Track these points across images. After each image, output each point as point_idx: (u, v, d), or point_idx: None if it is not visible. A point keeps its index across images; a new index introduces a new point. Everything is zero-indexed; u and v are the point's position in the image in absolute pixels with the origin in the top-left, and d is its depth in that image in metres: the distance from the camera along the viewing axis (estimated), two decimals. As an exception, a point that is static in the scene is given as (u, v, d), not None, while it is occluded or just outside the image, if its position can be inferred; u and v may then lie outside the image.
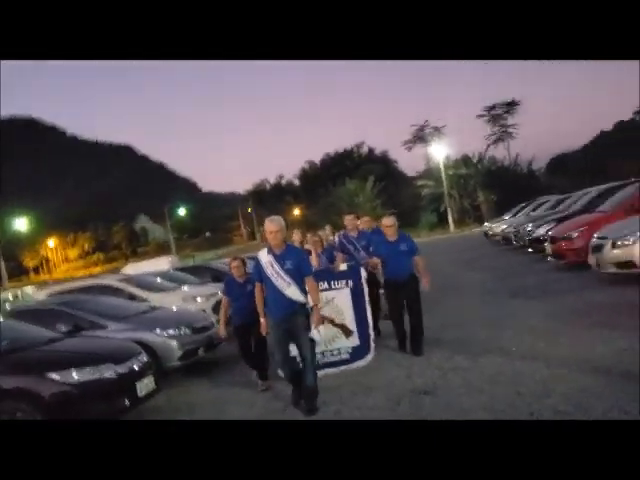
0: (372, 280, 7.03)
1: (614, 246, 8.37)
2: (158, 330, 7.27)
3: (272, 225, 5.19)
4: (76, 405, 5.10)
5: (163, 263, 21.06)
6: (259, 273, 5.32)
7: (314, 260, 7.17)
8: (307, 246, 7.48)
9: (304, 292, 5.25)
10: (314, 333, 5.17)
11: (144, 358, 5.89)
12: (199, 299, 9.96)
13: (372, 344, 6.66)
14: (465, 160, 52.80)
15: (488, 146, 57.73)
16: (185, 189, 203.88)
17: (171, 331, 7.36)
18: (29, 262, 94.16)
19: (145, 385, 5.69)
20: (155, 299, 9.63)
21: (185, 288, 10.81)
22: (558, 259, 11.11)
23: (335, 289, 6.70)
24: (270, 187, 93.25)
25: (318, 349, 6.04)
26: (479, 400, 4.64)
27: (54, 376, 5.10)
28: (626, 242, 8.16)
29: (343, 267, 6.93)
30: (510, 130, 65.17)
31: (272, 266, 5.21)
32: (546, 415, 4.02)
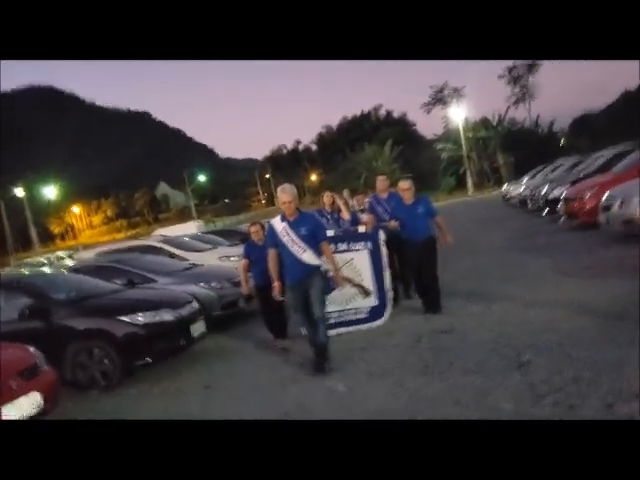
0: (393, 242, 7.17)
1: (623, 205, 8.95)
2: (202, 283, 8.10)
3: (284, 195, 5.29)
4: (143, 343, 5.99)
5: (191, 227, 21.97)
6: (273, 239, 5.41)
7: (345, 213, 7.70)
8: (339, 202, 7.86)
9: (319, 255, 5.39)
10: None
11: (196, 305, 6.73)
12: (233, 258, 10.77)
13: (389, 304, 6.91)
14: (484, 122, 52.44)
15: (508, 108, 56.95)
16: (203, 155, 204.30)
17: (213, 284, 8.19)
18: (55, 229, 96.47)
19: (197, 328, 6.54)
20: (194, 258, 10.48)
21: (220, 249, 11.66)
22: (571, 219, 11.70)
23: (354, 250, 6.92)
24: (287, 153, 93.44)
25: (337, 308, 6.61)
26: (490, 336, 5.41)
27: (124, 318, 5.98)
28: (635, 202, 8.72)
29: (362, 229, 7.16)
30: (531, 91, 64.19)
31: (287, 233, 5.30)
32: (547, 347, 4.76)
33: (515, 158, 47.18)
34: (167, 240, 11.95)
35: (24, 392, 4.46)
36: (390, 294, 6.98)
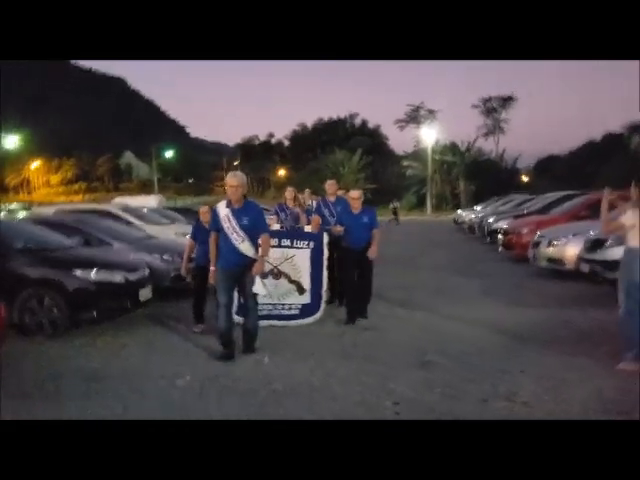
0: (333, 246, 7.26)
1: (549, 244, 9.88)
2: (155, 254, 8.53)
3: (234, 180, 5.30)
4: (91, 299, 6.41)
5: (152, 200, 22.12)
6: (216, 223, 5.43)
7: (302, 217, 7.99)
8: (302, 200, 8.31)
9: (257, 248, 5.41)
10: (257, 287, 5.47)
11: (146, 272, 7.18)
12: (189, 235, 11.17)
13: (322, 305, 7.02)
14: (453, 147, 54.10)
15: (477, 137, 58.96)
16: (173, 131, 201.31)
17: (165, 257, 8.63)
18: (10, 181, 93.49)
19: (145, 293, 7.00)
20: (150, 230, 10.84)
21: (177, 225, 12.06)
22: (508, 250, 12.66)
23: (296, 248, 7.01)
24: (259, 144, 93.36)
25: (270, 301, 6.69)
26: (406, 337, 6.11)
27: (78, 273, 6.39)
28: (558, 242, 9.66)
29: (307, 228, 7.33)
30: (502, 125, 66.51)
31: (229, 220, 5.30)
32: (451, 353, 5.46)
33: (476, 186, 48.92)
34: (127, 209, 12.26)
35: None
36: (325, 295, 7.13)
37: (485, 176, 48.97)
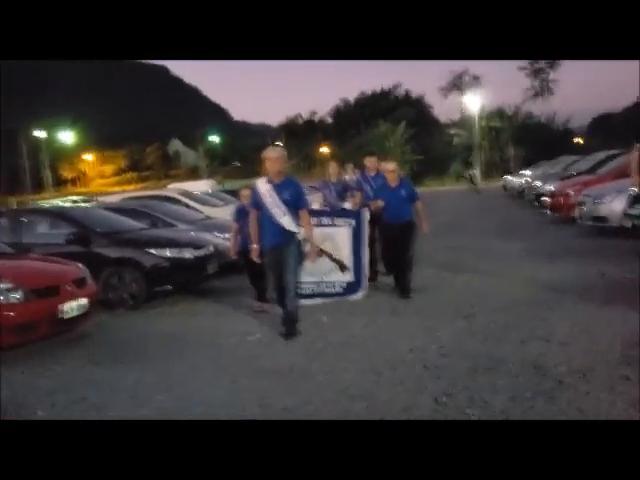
0: (374, 222, 7.23)
1: (594, 203, 10.06)
2: (216, 232, 9.26)
3: (272, 152, 5.41)
4: (166, 274, 7.19)
5: (204, 185, 23.10)
6: (255, 201, 5.50)
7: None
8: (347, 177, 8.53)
9: (297, 223, 5.47)
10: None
11: (212, 248, 7.90)
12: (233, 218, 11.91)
13: (365, 282, 7.05)
14: (500, 112, 52.95)
15: (524, 100, 57.29)
16: (217, 116, 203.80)
17: (226, 235, 9.34)
18: (67, 174, 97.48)
19: (212, 267, 7.73)
20: (208, 212, 11.63)
21: (231, 206, 12.80)
22: (554, 212, 12.80)
23: (337, 226, 7.04)
24: (302, 122, 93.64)
25: (314, 279, 6.76)
26: (453, 294, 6.63)
27: (152, 251, 7.17)
28: (603, 201, 9.83)
29: (347, 206, 7.35)
30: (550, 85, 64.32)
31: (270, 195, 5.36)
32: (493, 305, 5.92)
33: (526, 151, 47.83)
34: (185, 193, 13.10)
35: (77, 297, 5.68)
36: (367, 272, 7.11)
37: (535, 140, 47.81)
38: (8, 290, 5.23)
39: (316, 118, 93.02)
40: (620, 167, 11.93)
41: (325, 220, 7.02)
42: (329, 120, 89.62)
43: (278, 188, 5.37)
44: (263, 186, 5.43)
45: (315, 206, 7.75)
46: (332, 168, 8.18)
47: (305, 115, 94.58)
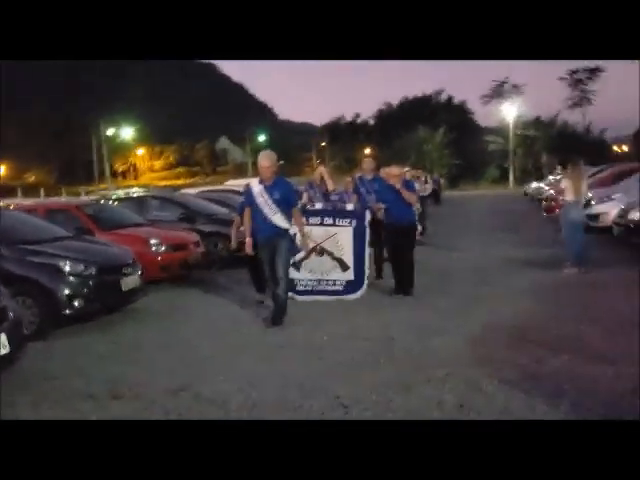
0: (378, 224, 7.46)
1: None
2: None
3: (265, 161, 5.80)
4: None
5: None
6: (249, 199, 5.99)
7: (329, 184, 7.83)
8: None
9: (289, 220, 5.88)
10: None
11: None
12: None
13: (365, 281, 7.21)
14: (536, 121, 54.67)
15: (560, 110, 58.87)
16: (262, 114, 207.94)
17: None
18: (119, 167, 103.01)
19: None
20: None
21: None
22: (548, 213, 15.49)
23: (339, 226, 7.21)
24: (346, 124, 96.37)
25: (315, 277, 7.07)
26: (465, 266, 9.46)
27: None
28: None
29: (350, 207, 7.44)
30: (589, 96, 65.44)
31: (262, 195, 5.79)
32: (478, 269, 8.78)
33: (559, 160, 49.42)
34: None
35: (196, 252, 8.87)
36: (368, 271, 7.31)
37: (569, 149, 49.42)
38: (157, 245, 8.46)
39: (359, 120, 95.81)
40: (602, 178, 14.61)
41: (328, 220, 7.23)
42: (371, 123, 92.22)
43: (269, 189, 5.84)
44: (256, 187, 5.93)
45: (318, 205, 7.50)
46: (317, 174, 8.34)
47: (348, 117, 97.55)
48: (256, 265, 6.44)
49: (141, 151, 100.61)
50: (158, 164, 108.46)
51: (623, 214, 9.14)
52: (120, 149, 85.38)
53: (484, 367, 4.40)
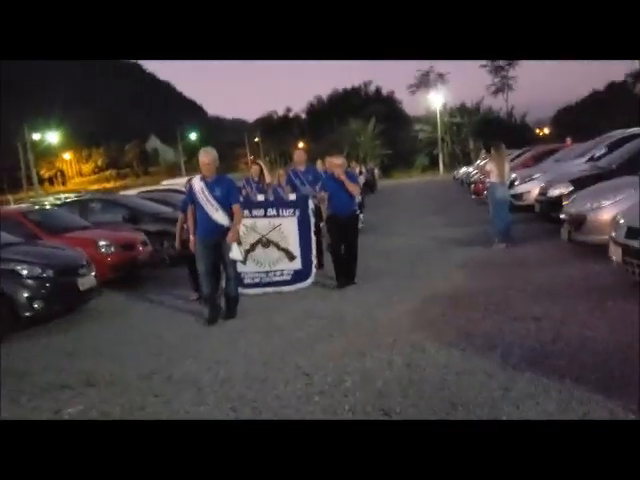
0: (318, 213, 7.52)
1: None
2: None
3: (205, 157, 5.77)
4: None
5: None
6: (191, 197, 5.95)
7: (267, 176, 8.39)
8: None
9: (230, 217, 5.82)
10: (234, 253, 5.83)
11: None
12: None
13: (313, 269, 7.31)
14: (462, 109, 56.92)
15: (483, 96, 61.73)
16: (192, 111, 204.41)
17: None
18: (45, 173, 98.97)
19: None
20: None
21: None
22: (477, 195, 16.50)
23: (283, 217, 7.25)
24: (278, 119, 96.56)
25: (262, 269, 7.13)
26: (395, 249, 10.12)
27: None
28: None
29: (292, 197, 7.52)
30: (510, 82, 68.73)
31: (203, 192, 5.78)
32: (411, 251, 9.42)
33: (483, 144, 51.75)
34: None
35: (144, 251, 9.05)
36: (314, 260, 7.37)
37: (494, 134, 51.77)
38: (106, 246, 8.60)
39: (291, 114, 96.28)
40: (523, 160, 15.72)
41: (271, 211, 7.29)
42: (303, 116, 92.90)
43: (210, 186, 5.83)
44: (197, 184, 5.90)
45: (260, 197, 7.69)
46: (254, 170, 8.70)
47: (280, 112, 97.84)
48: (193, 263, 6.28)
49: (67, 155, 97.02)
50: (86, 168, 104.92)
51: (543, 192, 9.99)
52: (45, 154, 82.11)
53: (426, 331, 4.94)
